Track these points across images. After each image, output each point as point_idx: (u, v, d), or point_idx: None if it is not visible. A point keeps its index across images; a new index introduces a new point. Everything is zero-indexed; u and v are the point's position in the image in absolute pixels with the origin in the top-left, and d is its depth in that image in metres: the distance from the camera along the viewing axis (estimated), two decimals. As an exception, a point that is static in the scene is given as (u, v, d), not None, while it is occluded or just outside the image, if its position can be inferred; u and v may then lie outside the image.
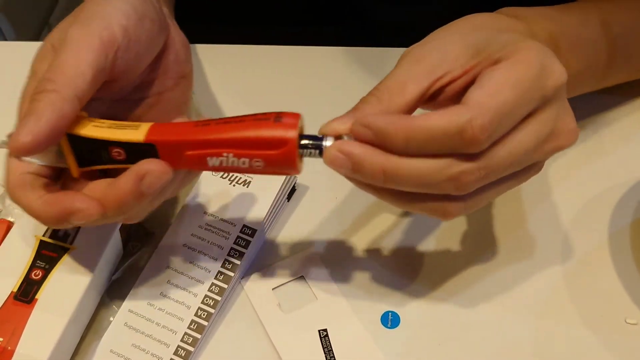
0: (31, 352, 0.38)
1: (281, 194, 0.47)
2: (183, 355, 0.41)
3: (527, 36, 0.37)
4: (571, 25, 0.44)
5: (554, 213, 0.48)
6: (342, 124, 0.34)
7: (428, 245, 0.47)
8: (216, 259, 0.44)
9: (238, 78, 0.56)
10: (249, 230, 0.45)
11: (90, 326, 0.43)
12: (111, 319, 0.43)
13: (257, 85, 0.55)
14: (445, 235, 0.47)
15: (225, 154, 0.33)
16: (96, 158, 0.35)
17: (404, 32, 0.63)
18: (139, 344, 0.41)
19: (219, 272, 0.44)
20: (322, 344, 0.42)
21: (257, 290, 0.45)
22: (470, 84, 0.33)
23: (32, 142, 0.32)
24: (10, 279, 0.40)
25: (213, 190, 0.46)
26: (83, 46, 0.35)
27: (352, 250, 0.47)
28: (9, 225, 0.44)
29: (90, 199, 0.34)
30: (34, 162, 0.35)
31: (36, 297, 0.40)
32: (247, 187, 0.46)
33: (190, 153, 0.34)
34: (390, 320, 0.44)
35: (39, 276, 0.41)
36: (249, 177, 0.47)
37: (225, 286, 0.43)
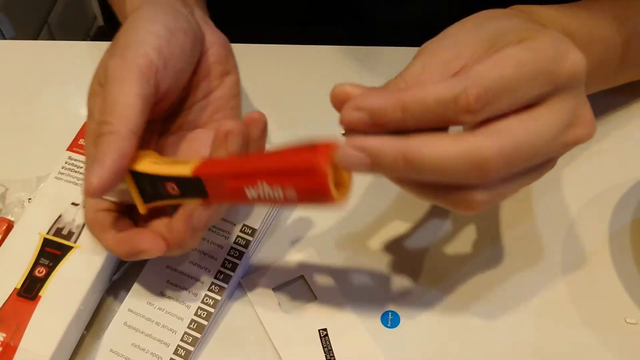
0: (34, 349, 0.38)
1: (281, 193, 0.47)
2: (183, 354, 0.41)
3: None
4: (585, 22, 0.44)
5: (554, 212, 0.48)
6: (354, 88, 0.33)
7: (428, 245, 0.47)
8: (216, 259, 0.44)
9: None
10: (248, 230, 0.45)
11: (90, 326, 0.43)
12: (111, 318, 0.43)
13: (257, 84, 0.55)
14: (445, 235, 0.47)
15: (259, 183, 0.33)
16: (156, 193, 0.37)
17: (404, 32, 0.64)
18: (139, 343, 0.41)
19: (219, 271, 0.44)
20: (322, 343, 0.42)
21: (257, 289, 0.45)
22: None
23: (100, 185, 0.35)
24: (14, 276, 0.41)
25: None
26: (125, 79, 0.37)
27: (352, 250, 0.47)
28: (10, 224, 0.44)
29: (155, 238, 0.38)
30: (108, 199, 0.39)
31: (40, 294, 0.40)
32: (248, 186, 0.46)
33: (229, 184, 0.34)
34: (390, 320, 0.44)
35: (43, 273, 0.41)
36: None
37: (225, 286, 0.43)
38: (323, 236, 0.47)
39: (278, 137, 0.51)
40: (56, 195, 0.44)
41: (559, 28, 0.42)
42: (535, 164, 0.33)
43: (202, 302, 0.43)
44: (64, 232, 0.42)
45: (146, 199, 0.38)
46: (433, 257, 0.46)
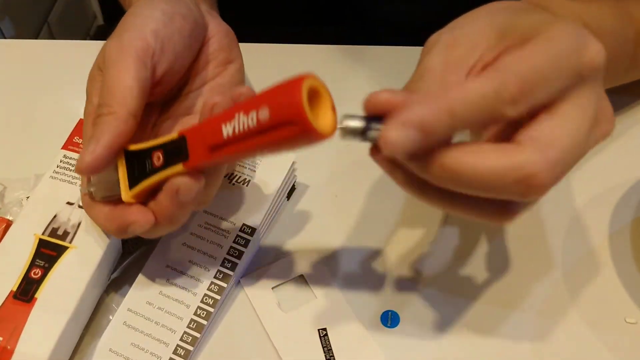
0: (31, 351, 0.38)
1: (281, 192, 0.47)
2: (182, 354, 0.41)
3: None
4: (596, 15, 0.43)
5: (555, 212, 0.48)
6: (393, 95, 0.31)
7: (428, 244, 0.47)
8: (215, 258, 0.44)
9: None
10: (248, 229, 0.45)
11: (89, 325, 0.43)
12: (110, 318, 0.43)
13: (257, 84, 0.55)
14: (445, 234, 0.47)
15: (236, 115, 0.32)
16: (142, 171, 0.37)
17: (404, 31, 0.63)
18: (138, 343, 0.41)
19: (218, 271, 0.43)
20: (321, 343, 0.42)
21: (257, 289, 0.45)
22: None
23: (93, 161, 0.36)
24: (9, 278, 0.40)
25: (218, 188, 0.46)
26: (123, 62, 0.38)
27: (351, 249, 0.47)
28: (8, 224, 0.44)
29: (144, 210, 0.38)
30: (92, 191, 0.39)
31: (35, 296, 0.40)
32: (247, 185, 0.46)
33: (208, 128, 0.34)
34: (390, 319, 0.44)
35: (39, 275, 0.41)
36: (249, 176, 0.47)
37: (225, 285, 0.43)
38: (323, 236, 0.47)
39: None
40: (51, 195, 0.44)
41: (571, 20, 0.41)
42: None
43: (202, 301, 0.43)
44: (59, 232, 0.42)
45: (132, 183, 0.38)
46: (433, 257, 0.46)
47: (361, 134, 0.31)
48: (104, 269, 0.43)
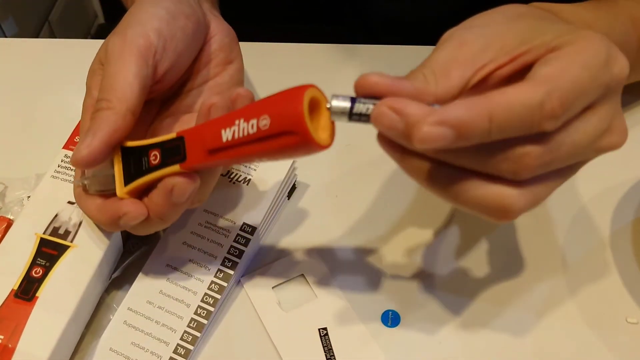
0: (32, 350, 0.38)
1: (281, 192, 0.47)
2: (182, 353, 0.41)
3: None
4: (604, 21, 0.43)
5: (555, 212, 0.48)
6: (381, 77, 0.31)
7: (428, 244, 0.47)
8: (216, 257, 0.44)
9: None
10: (248, 229, 0.45)
11: (89, 324, 0.43)
12: (111, 317, 0.43)
13: (257, 83, 0.55)
14: (445, 234, 0.47)
15: (237, 121, 0.33)
16: (138, 169, 0.37)
17: (404, 31, 0.63)
18: (139, 342, 0.41)
19: (219, 270, 0.43)
20: (322, 342, 0.42)
21: (257, 288, 0.45)
22: (517, 72, 0.32)
23: (89, 155, 0.36)
24: (10, 277, 0.40)
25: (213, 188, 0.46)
26: (124, 58, 0.38)
27: (352, 249, 0.47)
28: (9, 223, 0.44)
29: (136, 202, 0.37)
30: (85, 183, 0.40)
31: (37, 294, 0.40)
32: (247, 184, 0.46)
33: (208, 131, 0.34)
34: (390, 319, 0.44)
35: (40, 274, 0.41)
36: (249, 175, 0.47)
37: (225, 284, 0.43)
38: (324, 235, 0.47)
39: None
40: (52, 194, 0.44)
41: (583, 28, 0.41)
42: (569, 165, 0.33)
43: (202, 300, 0.43)
44: (61, 231, 0.42)
45: (127, 179, 0.38)
46: (434, 256, 0.46)
47: (350, 114, 0.31)
48: (105, 268, 0.43)
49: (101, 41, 0.41)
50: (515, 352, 0.42)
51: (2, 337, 0.38)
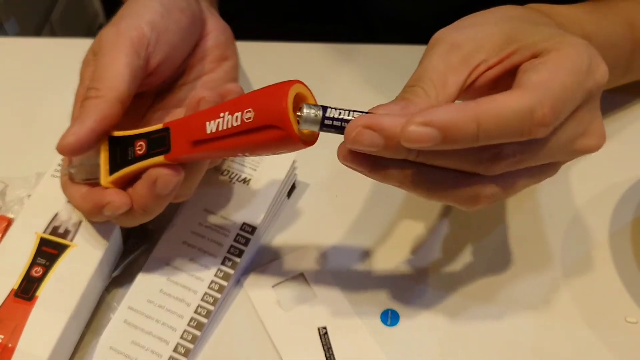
0: (32, 350, 0.38)
1: (281, 191, 0.47)
2: (183, 352, 0.41)
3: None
4: (600, 25, 0.43)
5: (555, 212, 0.48)
6: (392, 111, 0.31)
7: (428, 243, 0.47)
8: (216, 257, 0.44)
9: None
10: (248, 228, 0.45)
11: (90, 323, 0.43)
12: (111, 316, 0.43)
13: (256, 81, 0.55)
14: (445, 233, 0.47)
15: (222, 114, 0.33)
16: (124, 159, 0.37)
17: (404, 29, 0.63)
18: (139, 341, 0.41)
19: (219, 269, 0.44)
20: (321, 341, 0.42)
21: (257, 287, 0.45)
22: (505, 73, 0.32)
23: (76, 142, 0.37)
24: (10, 277, 0.40)
25: (213, 188, 0.46)
26: (117, 49, 0.38)
27: (352, 248, 0.47)
28: (10, 222, 0.44)
29: (119, 192, 0.37)
30: (72, 172, 0.40)
31: (37, 294, 0.40)
32: (247, 184, 0.46)
33: (193, 123, 0.34)
34: (389, 318, 0.44)
35: (40, 273, 0.41)
36: (250, 175, 0.47)
37: (225, 284, 0.43)
38: (323, 234, 0.47)
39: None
40: (52, 193, 0.44)
41: (578, 30, 0.41)
42: (540, 164, 0.33)
43: (202, 299, 0.43)
44: (61, 230, 0.42)
45: (113, 169, 0.38)
46: (433, 256, 0.46)
47: (322, 124, 0.31)
48: (105, 267, 0.43)
49: (102, 40, 0.42)
50: (515, 351, 0.42)
51: (2, 336, 0.38)
